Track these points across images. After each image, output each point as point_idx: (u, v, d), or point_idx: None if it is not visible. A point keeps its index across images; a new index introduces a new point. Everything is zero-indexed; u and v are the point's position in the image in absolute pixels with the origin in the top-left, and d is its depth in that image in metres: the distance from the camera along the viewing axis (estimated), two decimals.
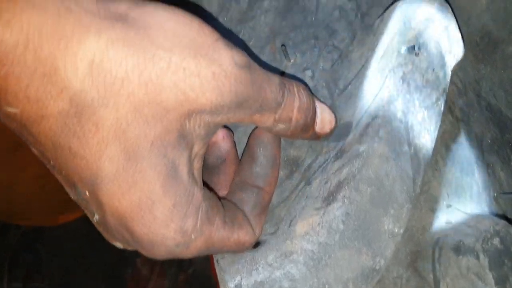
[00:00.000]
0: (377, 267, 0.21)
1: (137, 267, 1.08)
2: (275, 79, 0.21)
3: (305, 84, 0.25)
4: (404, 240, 0.25)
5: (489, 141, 0.30)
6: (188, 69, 0.18)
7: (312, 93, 0.24)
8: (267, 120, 0.21)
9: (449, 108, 0.28)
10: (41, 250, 1.09)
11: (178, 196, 0.20)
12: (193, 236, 0.20)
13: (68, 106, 0.18)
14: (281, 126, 0.22)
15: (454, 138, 0.28)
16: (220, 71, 0.19)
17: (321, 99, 0.27)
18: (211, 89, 0.19)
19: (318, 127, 0.23)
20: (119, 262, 1.07)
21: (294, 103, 0.22)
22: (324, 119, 0.24)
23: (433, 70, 0.23)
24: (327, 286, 0.20)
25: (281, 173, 0.27)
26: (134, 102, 0.18)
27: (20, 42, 0.16)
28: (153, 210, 0.19)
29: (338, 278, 0.20)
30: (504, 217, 0.27)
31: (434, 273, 0.25)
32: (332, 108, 0.25)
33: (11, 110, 0.18)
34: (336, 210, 0.21)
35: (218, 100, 0.19)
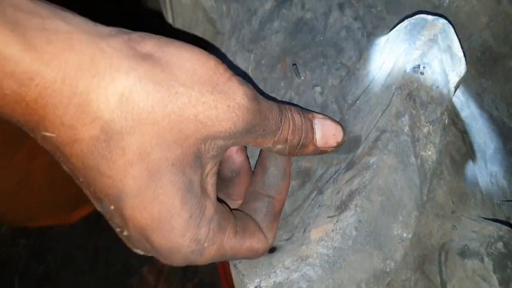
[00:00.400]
0: (388, 269, 0.22)
1: (144, 276, 1.09)
2: (275, 107, 0.24)
3: (301, 107, 0.27)
4: (412, 244, 0.27)
5: (491, 151, 0.31)
6: (206, 103, 0.21)
7: (305, 112, 0.26)
8: (268, 142, 0.24)
9: (452, 120, 0.30)
10: (50, 261, 1.11)
11: (193, 209, 0.22)
12: (206, 245, 0.23)
13: (99, 133, 0.20)
14: (279, 146, 0.25)
15: (458, 150, 0.29)
16: (234, 104, 0.22)
17: (331, 114, 0.29)
18: (226, 120, 0.22)
19: (320, 143, 0.26)
20: (125, 272, 1.08)
21: (289, 126, 0.25)
22: (326, 134, 0.26)
23: (437, 87, 0.25)
24: (342, 286, 0.22)
25: (294, 183, 0.28)
26: (158, 130, 0.21)
27: (58, 78, 0.19)
28: (171, 221, 0.22)
29: (352, 279, 0.22)
30: (507, 223, 0.29)
31: (440, 275, 0.26)
32: (341, 123, 0.26)
33: (47, 134, 0.20)
34: (349, 217, 0.22)
35: (232, 128, 0.22)
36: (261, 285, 0.23)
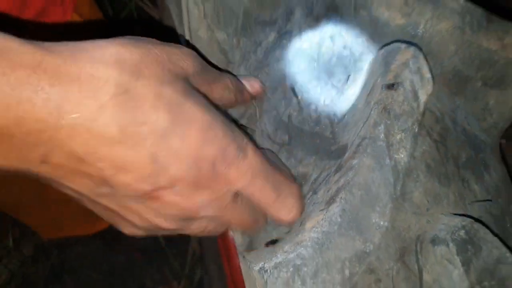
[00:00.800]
0: (367, 250, 0.27)
1: None
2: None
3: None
4: (393, 238, 0.32)
5: (464, 159, 0.36)
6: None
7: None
8: (220, 87, 0.30)
9: (428, 132, 0.35)
10: (68, 282, 1.15)
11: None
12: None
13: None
14: (226, 93, 0.30)
15: (432, 158, 0.34)
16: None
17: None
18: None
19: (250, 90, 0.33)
20: None
21: (228, 77, 0.31)
22: (250, 83, 0.34)
23: (408, 102, 0.30)
24: (329, 263, 0.26)
25: None
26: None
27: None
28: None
29: (337, 257, 0.26)
30: (478, 220, 0.33)
31: (418, 264, 0.31)
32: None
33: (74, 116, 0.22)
34: (335, 208, 0.27)
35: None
36: (265, 266, 0.27)
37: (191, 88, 0.25)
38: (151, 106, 0.23)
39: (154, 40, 0.26)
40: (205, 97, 0.27)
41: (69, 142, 0.22)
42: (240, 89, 0.32)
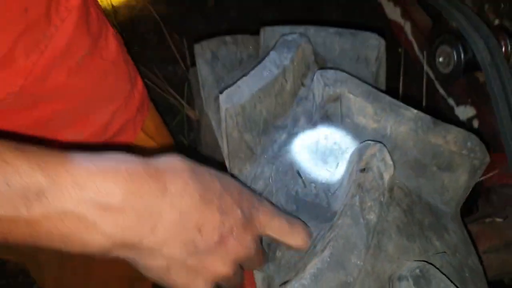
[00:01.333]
0: (349, 281, 0.39)
1: None
2: None
3: None
4: (374, 279, 0.43)
5: (427, 224, 0.49)
6: None
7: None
8: None
9: (398, 203, 0.48)
10: None
11: None
12: None
13: None
14: None
15: (401, 221, 0.47)
16: None
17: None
18: None
19: None
20: None
21: None
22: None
23: (376, 181, 0.44)
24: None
25: None
26: None
27: None
28: None
29: (327, 285, 0.39)
30: (436, 267, 0.45)
31: None
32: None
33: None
34: (326, 252, 0.40)
35: None
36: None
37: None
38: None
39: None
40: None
41: None
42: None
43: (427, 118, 0.50)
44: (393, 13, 1.28)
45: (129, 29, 1.47)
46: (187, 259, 0.36)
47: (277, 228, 0.42)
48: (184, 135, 1.41)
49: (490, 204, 1.00)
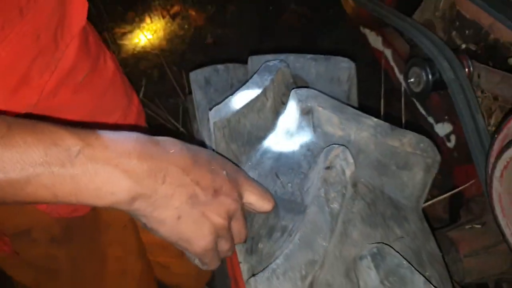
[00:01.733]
0: (316, 259, 0.47)
1: None
2: None
3: None
4: (341, 262, 0.51)
5: (389, 214, 0.56)
6: None
7: None
8: None
9: (362, 198, 0.56)
10: None
11: None
12: None
13: None
14: None
15: (365, 212, 0.55)
16: None
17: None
18: None
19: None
20: None
21: None
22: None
23: (339, 176, 0.52)
24: (293, 267, 0.46)
25: (278, 234, 0.54)
26: None
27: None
28: None
29: (297, 263, 0.46)
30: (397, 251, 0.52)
31: (356, 276, 0.50)
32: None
33: None
34: (296, 236, 0.48)
35: None
36: (256, 273, 0.47)
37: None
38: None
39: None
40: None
41: None
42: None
43: (386, 125, 0.58)
44: (376, 41, 1.40)
45: (132, 64, 1.59)
46: (193, 210, 0.45)
47: (253, 189, 0.52)
48: None
49: (470, 212, 1.06)
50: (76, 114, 0.67)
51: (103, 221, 0.84)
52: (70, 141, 0.39)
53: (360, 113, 0.60)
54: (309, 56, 0.76)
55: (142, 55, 1.88)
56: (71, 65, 0.64)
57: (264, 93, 0.64)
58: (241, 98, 0.63)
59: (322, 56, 0.76)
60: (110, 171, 0.40)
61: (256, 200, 0.52)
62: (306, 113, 0.61)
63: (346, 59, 0.76)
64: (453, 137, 1.14)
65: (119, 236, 0.90)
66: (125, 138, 0.42)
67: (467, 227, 1.03)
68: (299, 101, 0.61)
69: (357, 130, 0.58)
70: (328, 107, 0.60)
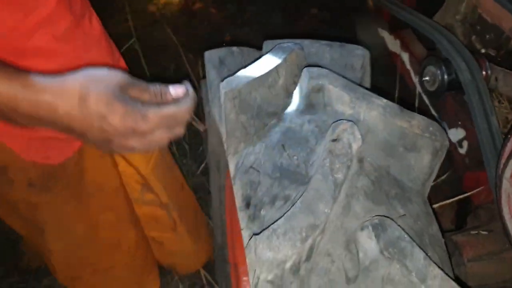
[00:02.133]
0: (317, 224, 0.46)
1: None
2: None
3: None
4: (342, 234, 0.50)
5: (393, 194, 0.56)
6: None
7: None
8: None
9: (367, 175, 0.56)
10: None
11: None
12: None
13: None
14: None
15: (368, 188, 0.55)
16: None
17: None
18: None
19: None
20: None
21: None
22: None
23: (345, 148, 0.52)
24: (293, 227, 0.46)
25: (281, 202, 0.54)
26: None
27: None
28: None
29: (298, 225, 0.46)
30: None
31: (356, 247, 0.49)
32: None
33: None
34: (298, 199, 0.48)
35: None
36: (257, 233, 0.47)
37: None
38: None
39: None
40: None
41: None
42: (163, 93, 0.55)
43: (395, 106, 0.58)
44: (394, 45, 1.40)
45: (149, 56, 1.62)
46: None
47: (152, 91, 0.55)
48: (185, 140, 1.53)
49: (477, 219, 1.05)
50: (53, 63, 0.67)
51: (92, 182, 0.84)
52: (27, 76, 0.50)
53: (370, 93, 0.60)
54: (324, 42, 0.77)
55: (161, 48, 1.91)
56: (50, 12, 0.67)
57: (276, 70, 0.64)
58: (253, 72, 0.63)
59: (337, 42, 0.76)
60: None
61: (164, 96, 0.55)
62: (317, 90, 0.62)
63: (360, 47, 0.76)
64: (465, 143, 1.13)
65: (110, 202, 0.90)
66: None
67: (472, 232, 1.01)
68: (311, 78, 0.62)
69: (367, 109, 0.58)
70: (339, 85, 0.60)
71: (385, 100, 0.59)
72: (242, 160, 0.61)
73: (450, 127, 1.18)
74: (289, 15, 2.04)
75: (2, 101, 0.49)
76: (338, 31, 1.94)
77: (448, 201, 1.02)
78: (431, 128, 0.57)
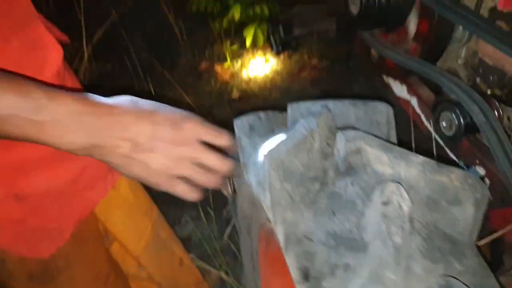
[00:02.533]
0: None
1: None
2: None
3: None
4: None
5: (447, 250, 0.57)
6: None
7: None
8: None
9: (418, 233, 0.57)
10: None
11: None
12: None
13: None
14: None
15: (424, 247, 0.56)
16: None
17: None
18: None
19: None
20: None
21: None
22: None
23: (397, 211, 0.54)
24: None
25: (341, 271, 0.55)
26: None
27: None
28: None
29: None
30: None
31: None
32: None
33: None
34: (364, 272, 0.49)
35: None
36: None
37: None
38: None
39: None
40: None
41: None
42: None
43: (432, 162, 0.61)
44: (401, 91, 1.45)
45: None
46: (137, 156, 0.58)
47: (205, 131, 0.63)
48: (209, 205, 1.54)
49: None
50: None
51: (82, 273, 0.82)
52: (37, 94, 0.50)
53: (406, 151, 0.63)
54: (347, 101, 0.80)
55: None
56: None
57: (311, 134, 0.67)
58: (290, 140, 0.66)
59: (360, 101, 0.80)
60: (69, 124, 0.51)
61: (213, 140, 0.63)
62: (355, 152, 0.64)
63: (383, 103, 0.80)
64: (486, 181, 1.15)
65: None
66: (84, 97, 0.54)
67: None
68: (347, 141, 0.64)
69: (406, 167, 0.61)
70: (376, 146, 0.63)
71: (421, 157, 0.61)
72: (292, 229, 0.62)
73: (468, 166, 1.20)
74: (291, 67, 2.11)
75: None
76: (339, 78, 2.01)
77: (482, 242, 1.03)
78: (469, 180, 0.59)
